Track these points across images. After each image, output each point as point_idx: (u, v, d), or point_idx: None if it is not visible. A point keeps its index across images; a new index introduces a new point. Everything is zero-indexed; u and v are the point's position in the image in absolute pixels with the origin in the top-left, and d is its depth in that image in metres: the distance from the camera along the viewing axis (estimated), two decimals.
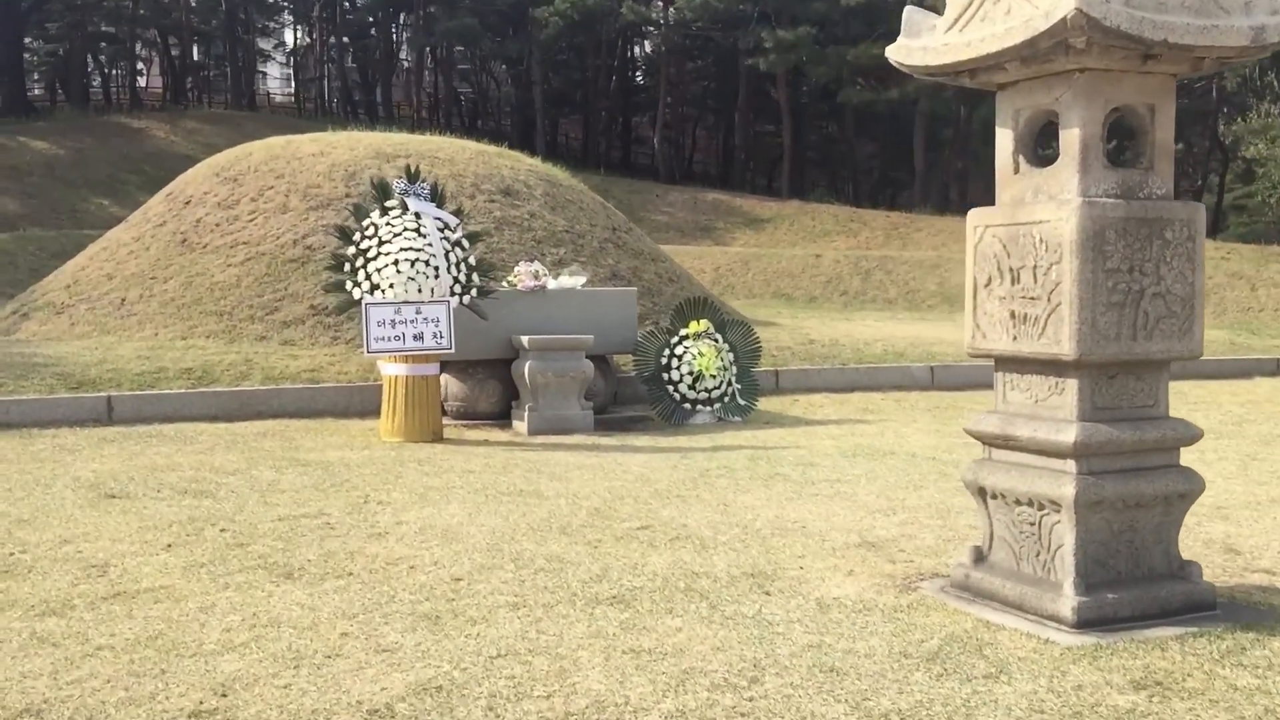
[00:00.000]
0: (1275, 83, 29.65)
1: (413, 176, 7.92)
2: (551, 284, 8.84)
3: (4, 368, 8.86)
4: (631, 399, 9.67)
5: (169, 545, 4.76)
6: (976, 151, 36.30)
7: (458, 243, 7.89)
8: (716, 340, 8.99)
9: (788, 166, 33.10)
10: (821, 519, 5.30)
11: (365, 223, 7.77)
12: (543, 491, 5.93)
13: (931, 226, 22.47)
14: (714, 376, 8.82)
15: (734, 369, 9.00)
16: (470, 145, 13.06)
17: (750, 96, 36.46)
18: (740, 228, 23.60)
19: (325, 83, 46.63)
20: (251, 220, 11.31)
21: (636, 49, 46.90)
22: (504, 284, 8.71)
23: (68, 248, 19.72)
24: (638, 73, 46.83)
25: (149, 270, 11.03)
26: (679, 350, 8.89)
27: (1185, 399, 10.10)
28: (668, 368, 8.88)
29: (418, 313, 7.62)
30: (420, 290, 7.58)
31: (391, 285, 7.54)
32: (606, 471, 6.54)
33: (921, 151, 29.86)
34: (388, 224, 7.69)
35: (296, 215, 11.25)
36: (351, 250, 7.72)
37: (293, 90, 57.37)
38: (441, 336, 7.70)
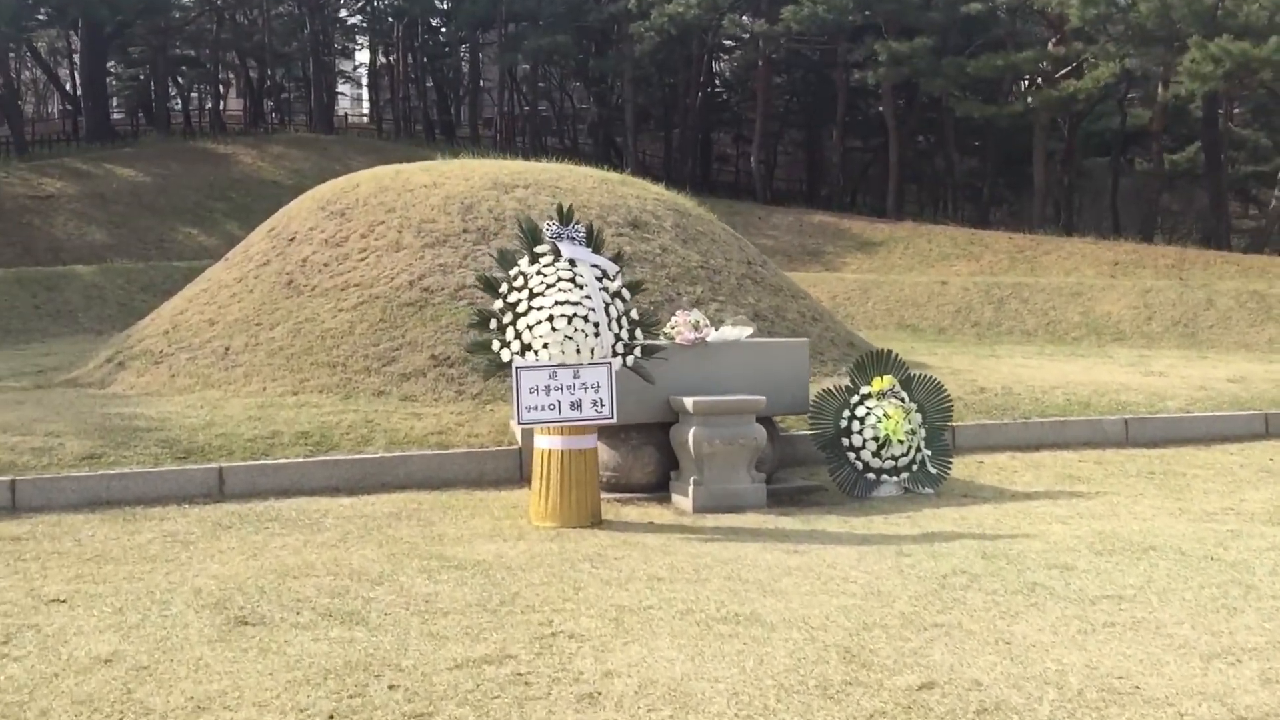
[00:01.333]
0: None
1: (565, 217, 6.86)
2: (713, 335, 7.73)
3: (103, 433, 7.95)
4: (792, 459, 8.52)
5: (331, 717, 3.70)
6: (1081, 166, 34.67)
7: (618, 294, 6.81)
8: (902, 399, 7.81)
9: (893, 185, 31.71)
10: (1151, 671, 4.10)
11: (513, 272, 6.72)
12: (762, 616, 4.79)
13: (1060, 249, 20.97)
14: (901, 442, 7.63)
15: (922, 432, 7.81)
16: (593, 173, 12.04)
17: (845, 111, 35.19)
18: (851, 251, 22.32)
19: (405, 103, 46.18)
20: (362, 259, 10.36)
21: (717, 65, 45.82)
22: (659, 336, 7.61)
23: (156, 280, 19.12)
24: (720, 89, 45.73)
25: (253, 315, 10.12)
26: (860, 412, 7.72)
27: None
28: (848, 431, 7.71)
29: (575, 377, 6.54)
30: (579, 351, 6.50)
31: (545, 345, 6.48)
32: (823, 579, 5.39)
33: (1041, 168, 28.33)
34: (539, 273, 6.64)
35: (411, 253, 10.29)
36: (498, 304, 6.67)
37: (367, 111, 57.18)
38: (602, 404, 6.62)
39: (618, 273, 6.88)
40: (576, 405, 6.56)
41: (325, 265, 10.42)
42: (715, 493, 7.23)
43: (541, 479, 6.67)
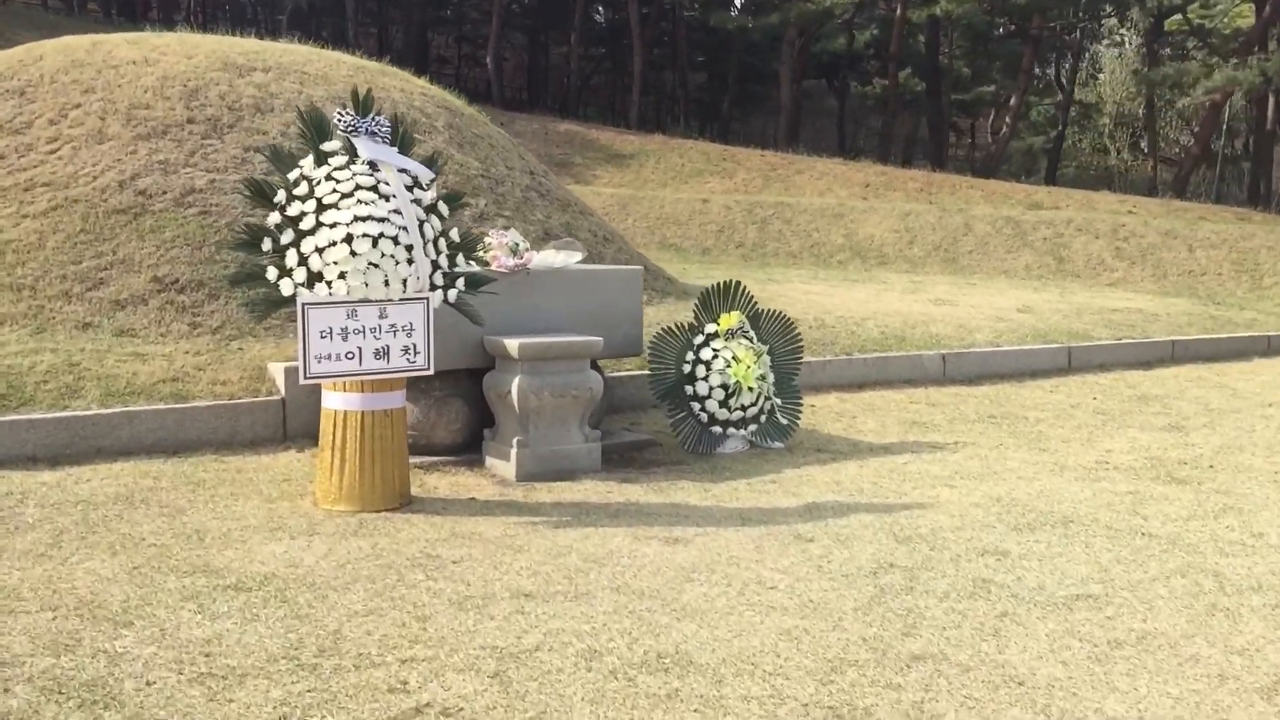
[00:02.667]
0: (1112, 27, 29.42)
1: (363, 105, 5.21)
2: (536, 261, 6.32)
3: None
4: (610, 407, 7.29)
5: None
6: (808, 87, 34.92)
7: (433, 208, 5.26)
8: (751, 339, 6.72)
9: (637, 95, 30.57)
10: None
11: (293, 176, 5.03)
12: (693, 655, 3.56)
13: (812, 169, 20.56)
14: (751, 390, 6.55)
15: (772, 377, 6.77)
16: (345, 59, 10.14)
17: (580, 16, 33.64)
18: (600, 164, 21.03)
19: None
20: (53, 152, 8.12)
21: None
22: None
23: None
24: None
25: None
26: (705, 354, 6.57)
27: (1236, 394, 8.59)
28: (691, 378, 6.55)
29: (382, 316, 4.99)
30: (387, 283, 4.94)
31: (343, 275, 4.87)
32: (735, 586, 4.22)
33: (786, 85, 28.03)
34: (329, 178, 4.99)
35: (120, 146, 8.15)
36: (274, 219, 4.98)
37: None
38: (416, 352, 5.10)
39: (433, 180, 5.32)
40: (383, 353, 5.02)
41: (1, 158, 8.10)
42: (543, 455, 5.90)
43: (334, 449, 5.10)
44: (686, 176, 20.64)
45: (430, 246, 5.14)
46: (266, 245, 4.94)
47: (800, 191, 18.47)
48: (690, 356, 6.56)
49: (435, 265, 5.17)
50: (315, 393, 5.92)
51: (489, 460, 6.06)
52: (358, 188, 4.96)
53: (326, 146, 5.08)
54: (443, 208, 5.30)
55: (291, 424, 6.38)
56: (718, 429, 6.55)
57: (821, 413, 7.68)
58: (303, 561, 4.34)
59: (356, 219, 4.89)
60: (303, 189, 4.97)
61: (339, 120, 5.12)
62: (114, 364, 6.46)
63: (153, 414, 6.07)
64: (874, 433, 7.15)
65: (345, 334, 4.92)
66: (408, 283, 5.00)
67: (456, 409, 6.15)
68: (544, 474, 5.87)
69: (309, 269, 4.89)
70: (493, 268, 6.09)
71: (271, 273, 4.90)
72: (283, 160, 5.10)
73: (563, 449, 5.96)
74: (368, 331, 4.96)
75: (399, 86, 9.82)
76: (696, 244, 16.20)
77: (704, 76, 37.32)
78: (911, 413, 7.81)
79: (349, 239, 4.87)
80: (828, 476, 6.00)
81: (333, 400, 5.13)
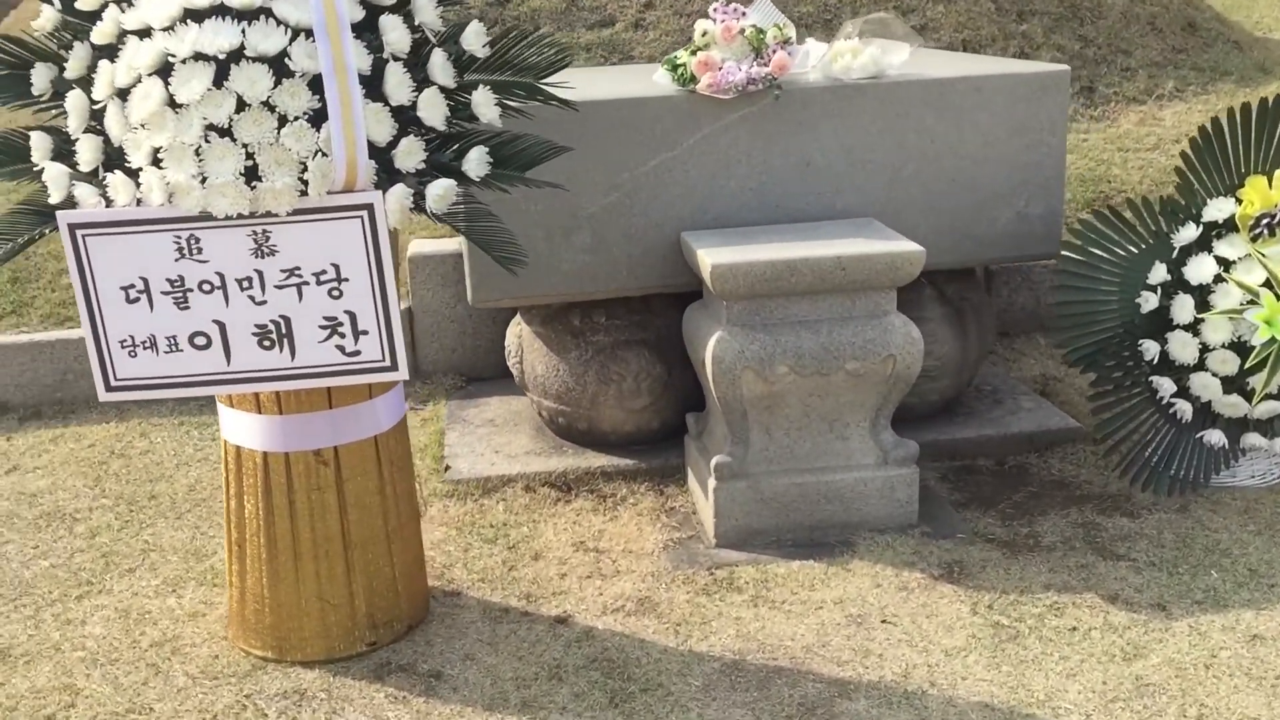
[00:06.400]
0: None
1: None
2: (813, 59, 2.99)
3: None
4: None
5: None
6: None
7: None
8: None
9: None
10: None
11: None
12: None
13: None
14: None
15: None
16: None
17: None
18: None
19: None
20: None
21: None
22: (667, 72, 2.95)
23: None
24: None
25: None
26: (1196, 271, 2.86)
27: None
28: (1160, 322, 2.91)
29: (261, 250, 2.10)
30: (253, 173, 2.01)
31: (157, 160, 2.01)
32: None
33: None
34: None
35: None
36: (49, 16, 2.19)
37: None
38: (355, 328, 2.18)
39: None
40: (276, 333, 2.17)
41: None
42: (773, 496, 2.79)
43: (231, 526, 2.42)
44: None
45: (396, 75, 2.08)
46: (42, 82, 2.20)
47: None
48: (1159, 275, 2.90)
49: (409, 118, 2.11)
50: None
51: (691, 482, 3.05)
52: None
53: None
54: None
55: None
56: (1216, 435, 2.90)
57: None
58: None
59: (186, 15, 1.98)
60: None
61: None
62: None
63: None
64: None
65: (182, 291, 2.12)
66: (310, 170, 2.02)
67: (638, 369, 3.14)
68: (777, 533, 2.79)
69: (107, 139, 2.10)
70: (700, 88, 2.87)
71: (39, 145, 2.17)
72: None
73: (824, 479, 2.78)
74: (231, 284, 2.12)
75: None
76: None
77: None
78: None
79: (165, 69, 1.98)
80: None
81: (231, 426, 2.39)
